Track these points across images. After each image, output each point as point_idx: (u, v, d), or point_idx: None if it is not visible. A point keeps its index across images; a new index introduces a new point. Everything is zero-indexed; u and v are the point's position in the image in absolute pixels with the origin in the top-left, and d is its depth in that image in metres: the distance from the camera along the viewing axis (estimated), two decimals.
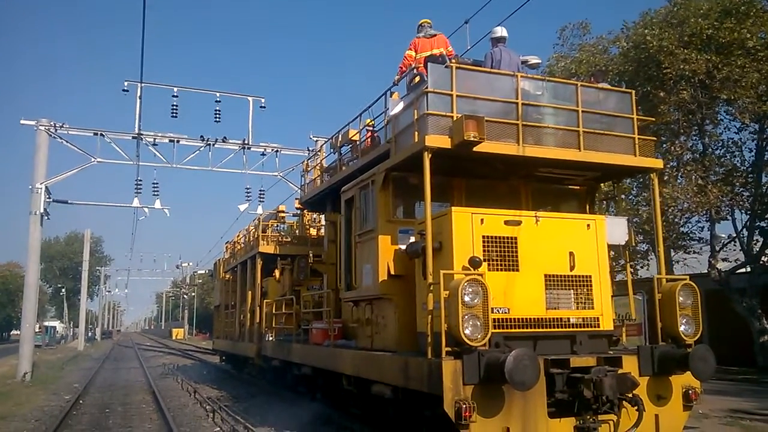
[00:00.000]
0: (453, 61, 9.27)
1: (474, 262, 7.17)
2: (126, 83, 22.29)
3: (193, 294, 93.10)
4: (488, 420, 6.78)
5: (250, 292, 17.62)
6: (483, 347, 6.85)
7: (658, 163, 9.00)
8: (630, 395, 7.39)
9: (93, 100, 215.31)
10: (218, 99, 23.78)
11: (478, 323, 6.84)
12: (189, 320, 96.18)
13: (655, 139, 9.71)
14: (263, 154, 25.26)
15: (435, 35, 9.83)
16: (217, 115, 23.86)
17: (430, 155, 7.64)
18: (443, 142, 7.70)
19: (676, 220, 21.76)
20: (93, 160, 23.61)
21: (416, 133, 7.98)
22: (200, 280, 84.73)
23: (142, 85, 22.46)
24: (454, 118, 7.76)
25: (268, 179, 26.09)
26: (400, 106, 8.91)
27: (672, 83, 20.17)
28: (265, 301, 15.87)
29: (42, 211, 23.04)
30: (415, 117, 8.07)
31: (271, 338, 15.12)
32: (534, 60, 17.73)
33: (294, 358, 12.64)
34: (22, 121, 23.49)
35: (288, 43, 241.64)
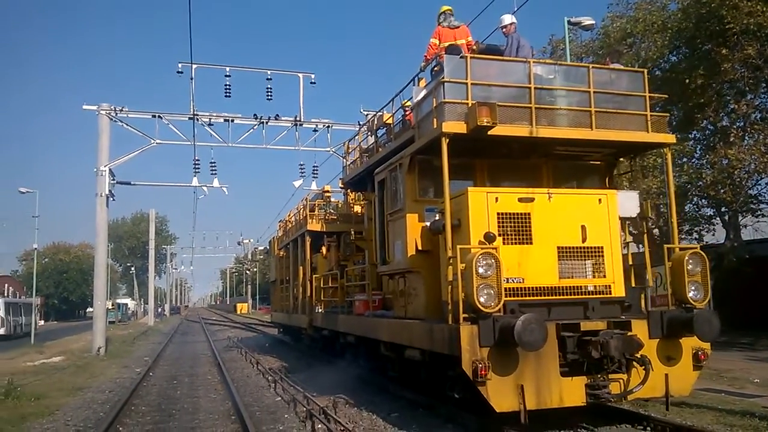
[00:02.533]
0: (475, 48, 9.98)
1: (488, 237, 7.98)
2: (180, 65, 23.04)
3: (255, 270, 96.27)
4: (503, 378, 7.62)
5: (301, 267, 18.89)
6: (497, 313, 7.68)
7: (671, 138, 9.52)
8: (638, 356, 8.11)
9: (150, 84, 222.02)
10: (269, 77, 24.26)
11: (492, 292, 7.66)
12: (252, 295, 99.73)
13: (667, 115, 10.12)
14: (315, 130, 25.73)
15: (458, 26, 10.52)
16: (269, 93, 24.41)
17: (447, 140, 8.42)
18: (459, 127, 8.46)
19: (743, 182, 21.00)
20: (152, 141, 24.48)
21: (435, 119, 8.77)
22: (261, 256, 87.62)
23: (195, 66, 23.16)
24: (469, 105, 8.49)
25: (321, 155, 26.66)
26: (423, 93, 9.69)
27: (736, 39, 19.31)
28: (314, 276, 17.11)
29: (107, 192, 24.06)
30: (434, 105, 8.86)
31: (320, 310, 16.36)
32: (588, 21, 17.99)
33: (340, 328, 13.80)
34: (84, 107, 24.36)
35: (337, 19, 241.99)
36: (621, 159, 10.61)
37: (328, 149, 25.94)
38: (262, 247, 78.59)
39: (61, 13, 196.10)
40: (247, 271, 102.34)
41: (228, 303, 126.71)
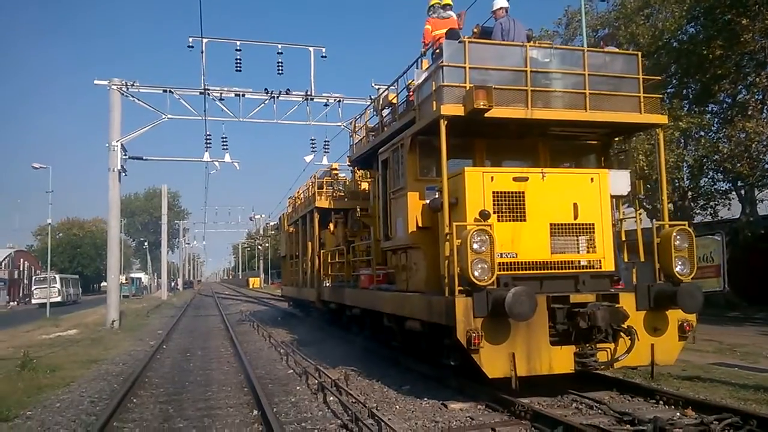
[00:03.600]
0: (475, 31, 10.41)
1: (483, 215, 8.51)
2: (191, 39, 22.98)
3: (267, 245, 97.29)
4: (495, 346, 8.19)
5: (309, 243, 19.53)
6: (490, 286, 8.22)
7: (662, 119, 9.93)
8: (625, 326, 8.65)
9: (161, 58, 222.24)
10: (280, 51, 24.31)
11: (486, 266, 8.20)
12: (264, 270, 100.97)
13: (660, 96, 10.49)
14: (326, 105, 25.62)
15: (447, 17, 11.16)
16: (280, 68, 24.52)
17: (446, 122, 8.90)
18: (457, 110, 8.93)
19: (760, 156, 21.07)
20: (164, 116, 24.58)
21: (434, 102, 9.23)
22: (272, 232, 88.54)
23: (205, 40, 23.12)
24: (467, 89, 8.95)
25: (332, 129, 26.65)
26: (424, 76, 10.14)
27: (757, 8, 19.31)
28: (322, 251, 17.73)
29: (119, 167, 24.30)
30: (433, 88, 9.32)
31: (328, 284, 17.01)
32: None
33: (346, 301, 14.44)
34: (96, 81, 24.41)
35: None
36: (616, 138, 11.00)
37: (340, 124, 25.78)
38: (273, 223, 79.47)
39: None
40: (259, 246, 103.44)
41: (240, 278, 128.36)
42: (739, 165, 20.44)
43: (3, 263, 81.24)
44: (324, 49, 24.84)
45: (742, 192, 23.98)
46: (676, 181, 23.75)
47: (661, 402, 8.52)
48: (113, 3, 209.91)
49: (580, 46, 24.16)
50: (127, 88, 24.29)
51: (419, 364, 10.96)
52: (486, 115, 8.88)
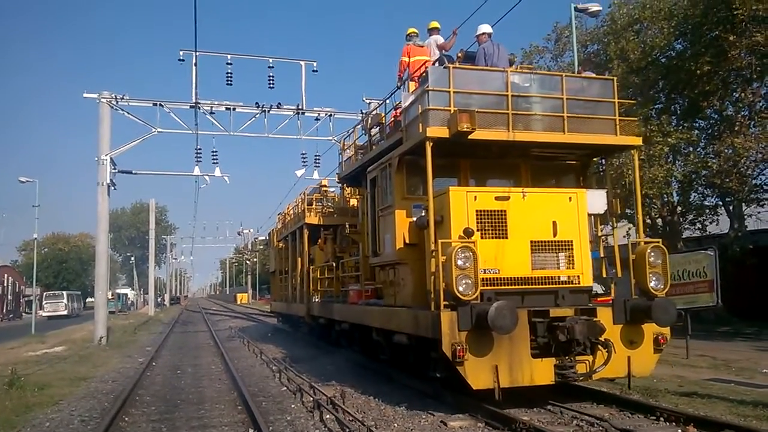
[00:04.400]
0: (460, 55, 10.96)
1: (467, 232, 8.97)
2: (182, 52, 23.00)
3: (255, 260, 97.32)
4: (479, 359, 8.61)
5: (299, 259, 19.92)
6: (474, 301, 8.66)
7: (637, 141, 10.48)
8: (602, 339, 9.11)
9: (150, 72, 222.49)
10: (271, 65, 24.44)
11: (470, 282, 8.65)
12: (252, 285, 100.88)
13: (635, 120, 11.05)
14: (317, 119, 25.73)
15: (422, 45, 12.19)
16: (271, 82, 24.55)
17: (431, 144, 9.38)
18: (442, 132, 9.43)
19: (748, 171, 21.31)
20: (154, 130, 24.42)
21: (420, 124, 9.72)
22: (261, 246, 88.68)
23: (197, 53, 23.14)
24: (451, 112, 9.44)
25: (323, 144, 26.71)
26: (411, 99, 10.64)
27: (743, 25, 19.49)
28: (311, 267, 18.12)
29: (108, 181, 24.07)
30: (419, 111, 9.81)
31: (317, 300, 17.39)
32: (594, 7, 18.44)
33: (336, 316, 14.83)
34: (85, 95, 24.24)
35: (339, 6, 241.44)
36: (594, 159, 11.53)
37: (331, 138, 25.92)
38: (262, 237, 79.72)
39: None
40: (247, 261, 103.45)
41: (228, 293, 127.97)
42: (728, 180, 20.69)
43: None
44: (315, 63, 25.01)
45: (731, 207, 24.28)
46: (665, 196, 24.05)
47: (661, 419, 8.52)
48: (103, 16, 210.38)
49: (569, 62, 24.94)
50: (117, 102, 24.24)
51: (415, 381, 11.00)
52: (469, 137, 9.37)
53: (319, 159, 26.07)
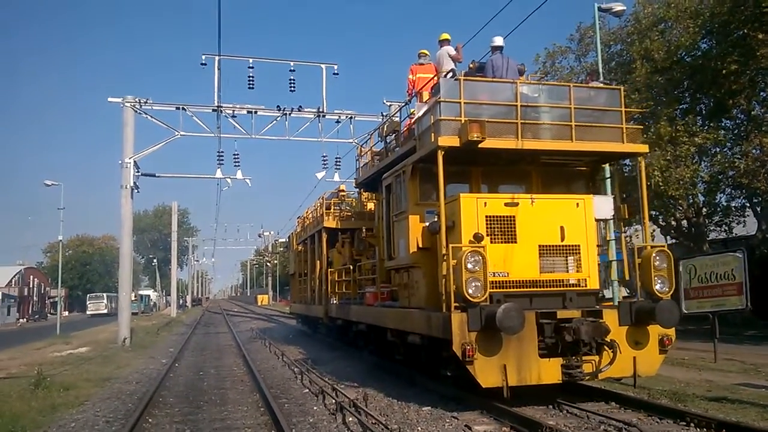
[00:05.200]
0: (472, 66, 11.46)
1: (477, 237, 9.42)
2: (204, 57, 23.13)
3: (275, 262, 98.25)
4: (488, 358, 9.06)
5: (318, 262, 20.52)
6: (484, 303, 9.11)
7: (643, 148, 10.85)
8: (608, 340, 9.50)
9: (173, 76, 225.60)
10: (292, 68, 24.51)
11: (479, 284, 9.11)
12: (273, 287, 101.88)
13: (641, 127, 11.40)
14: (338, 122, 25.81)
15: (424, 64, 13.39)
16: (292, 85, 24.58)
17: (443, 152, 9.86)
18: (453, 141, 9.91)
19: None
20: (176, 133, 24.71)
21: (433, 134, 10.20)
22: (281, 249, 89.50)
23: (220, 57, 23.32)
24: (462, 122, 9.91)
25: (344, 146, 26.71)
26: (424, 109, 11.13)
27: None
28: (329, 270, 18.67)
29: (132, 184, 24.53)
30: (432, 121, 10.29)
31: (335, 302, 17.94)
32: (619, 7, 18.62)
33: (353, 317, 15.36)
34: (109, 99, 24.69)
35: (359, 8, 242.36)
36: (604, 165, 11.91)
37: (351, 140, 25.91)
38: (283, 239, 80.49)
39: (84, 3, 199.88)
40: (268, 263, 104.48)
41: (249, 294, 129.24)
42: (755, 181, 20.62)
43: (13, 280, 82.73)
44: (336, 66, 25.08)
45: (758, 208, 24.11)
46: (691, 197, 23.94)
47: (692, 425, 8.36)
48: (128, 22, 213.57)
49: (592, 62, 25.19)
50: (141, 106, 24.68)
51: (438, 384, 10.99)
52: (479, 146, 9.83)
53: (339, 161, 26.24)
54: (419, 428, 8.79)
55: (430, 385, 11.33)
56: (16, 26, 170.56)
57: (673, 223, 26.05)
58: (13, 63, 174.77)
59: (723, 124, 24.36)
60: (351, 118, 25.88)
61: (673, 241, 27.32)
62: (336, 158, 26.06)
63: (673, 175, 21.02)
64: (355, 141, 25.05)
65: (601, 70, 17.86)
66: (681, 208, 24.41)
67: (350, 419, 9.27)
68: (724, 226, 24.73)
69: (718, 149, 23.25)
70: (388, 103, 23.37)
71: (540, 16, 24.36)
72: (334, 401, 10.36)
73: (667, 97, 23.19)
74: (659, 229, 27.22)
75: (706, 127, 22.87)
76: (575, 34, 28.78)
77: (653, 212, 25.09)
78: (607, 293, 13.09)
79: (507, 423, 8.77)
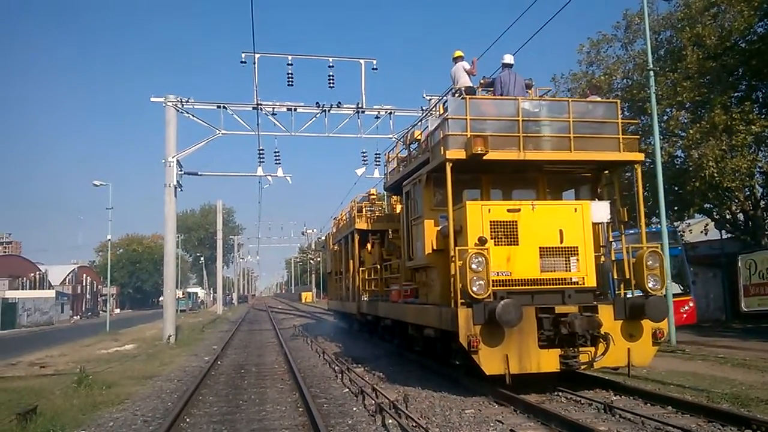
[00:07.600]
0: (482, 82, 12.71)
1: (481, 241, 10.68)
2: (243, 55, 23.63)
3: (318, 259, 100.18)
4: (491, 348, 10.32)
5: (351, 261, 22.06)
6: (487, 299, 10.35)
7: (639, 157, 11.91)
8: (602, 333, 10.62)
9: (213, 75, 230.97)
10: (331, 64, 24.75)
11: (482, 283, 10.37)
12: (316, 284, 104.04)
13: (637, 137, 12.39)
14: (377, 117, 26.00)
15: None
16: (331, 81, 24.83)
17: (450, 164, 11.13)
18: (460, 154, 11.19)
19: None
20: (218, 132, 25.36)
21: (441, 147, 11.46)
22: (321, 248, 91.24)
23: (258, 55, 23.78)
24: (468, 137, 11.14)
25: (383, 142, 27.98)
26: (436, 123, 12.41)
27: None
28: (361, 269, 20.14)
29: (175, 183, 25.23)
30: (441, 136, 11.56)
31: (365, 299, 19.40)
32: None
33: (380, 313, 16.80)
34: (152, 99, 25.47)
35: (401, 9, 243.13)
36: (605, 172, 12.93)
37: (391, 136, 25.97)
38: (324, 237, 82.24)
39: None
40: (311, 261, 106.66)
41: (293, 292, 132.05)
42: None
43: (67, 279, 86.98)
44: (375, 61, 25.15)
45: None
46: (748, 189, 23.61)
47: (753, 427, 7.92)
48: (170, 23, 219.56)
49: (640, 50, 25.13)
50: (182, 105, 25.29)
51: (481, 386, 11.04)
52: (484, 158, 11.06)
53: (379, 157, 25.93)
54: None
55: (473, 387, 11.37)
56: (69, 31, 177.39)
57: (729, 216, 25.57)
58: (60, 69, 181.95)
59: None
60: (390, 113, 26.08)
61: (729, 235, 26.98)
62: (376, 154, 26.24)
63: (729, 165, 20.73)
64: (395, 136, 25.01)
65: (650, 58, 17.99)
66: (737, 201, 23.96)
67: (390, 421, 9.11)
68: None
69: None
70: (428, 97, 23.64)
71: (577, 7, 24.27)
72: (373, 402, 10.21)
73: (720, 85, 22.62)
74: (713, 223, 26.81)
75: (763, 115, 22.48)
76: (621, 22, 27.97)
77: (707, 205, 24.73)
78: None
79: (555, 428, 8.44)
